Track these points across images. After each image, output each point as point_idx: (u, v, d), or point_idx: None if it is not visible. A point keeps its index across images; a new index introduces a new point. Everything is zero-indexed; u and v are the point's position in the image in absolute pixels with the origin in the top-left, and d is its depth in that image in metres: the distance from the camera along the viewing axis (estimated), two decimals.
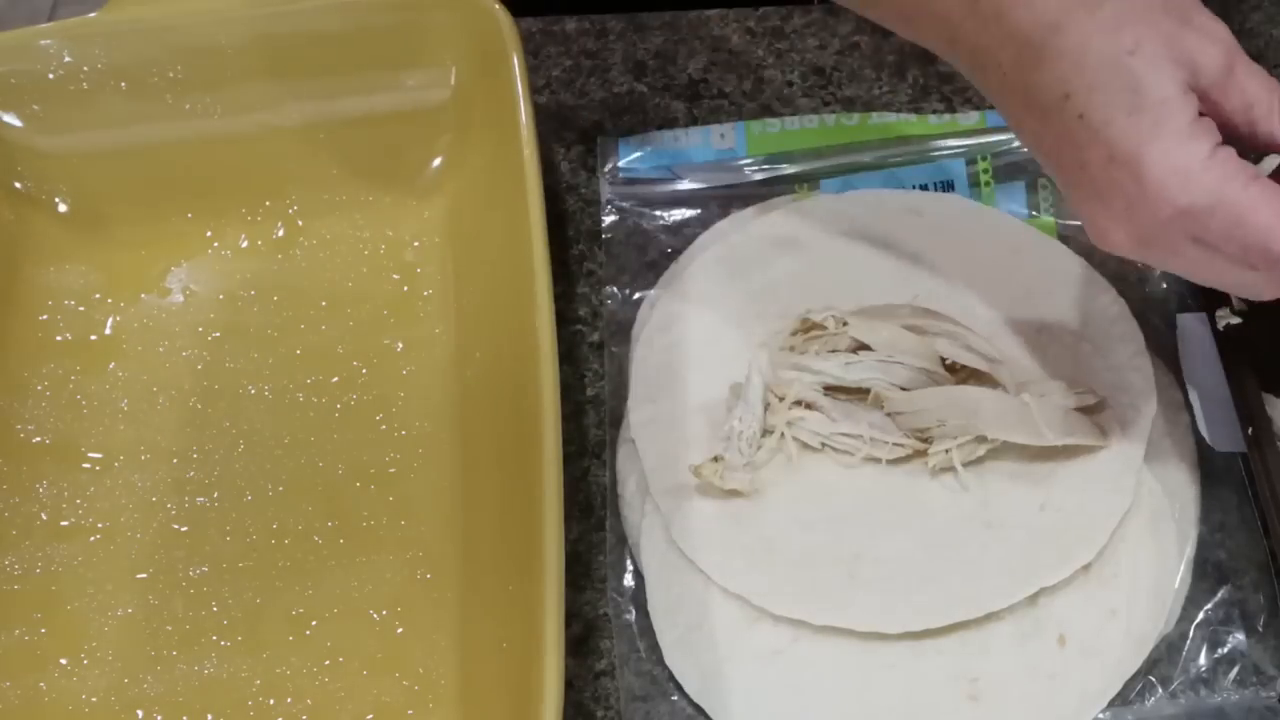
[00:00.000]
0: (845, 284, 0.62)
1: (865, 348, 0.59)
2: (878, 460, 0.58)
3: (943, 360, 0.59)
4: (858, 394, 0.59)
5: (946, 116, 0.69)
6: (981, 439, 0.57)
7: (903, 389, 0.58)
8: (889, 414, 0.58)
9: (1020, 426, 0.56)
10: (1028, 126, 0.50)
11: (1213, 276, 0.49)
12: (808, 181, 0.68)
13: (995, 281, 0.63)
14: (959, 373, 0.59)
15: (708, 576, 0.56)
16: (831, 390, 0.59)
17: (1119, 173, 0.47)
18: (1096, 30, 0.47)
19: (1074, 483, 0.57)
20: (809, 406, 0.58)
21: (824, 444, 0.58)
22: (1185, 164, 0.46)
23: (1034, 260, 0.63)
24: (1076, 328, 0.61)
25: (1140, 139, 0.46)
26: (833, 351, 0.59)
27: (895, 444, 0.57)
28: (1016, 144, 0.67)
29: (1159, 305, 0.62)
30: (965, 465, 0.57)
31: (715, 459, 0.57)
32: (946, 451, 0.57)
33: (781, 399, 0.58)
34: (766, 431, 0.58)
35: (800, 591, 0.55)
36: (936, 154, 0.68)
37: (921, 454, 0.57)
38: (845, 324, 0.59)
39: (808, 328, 0.60)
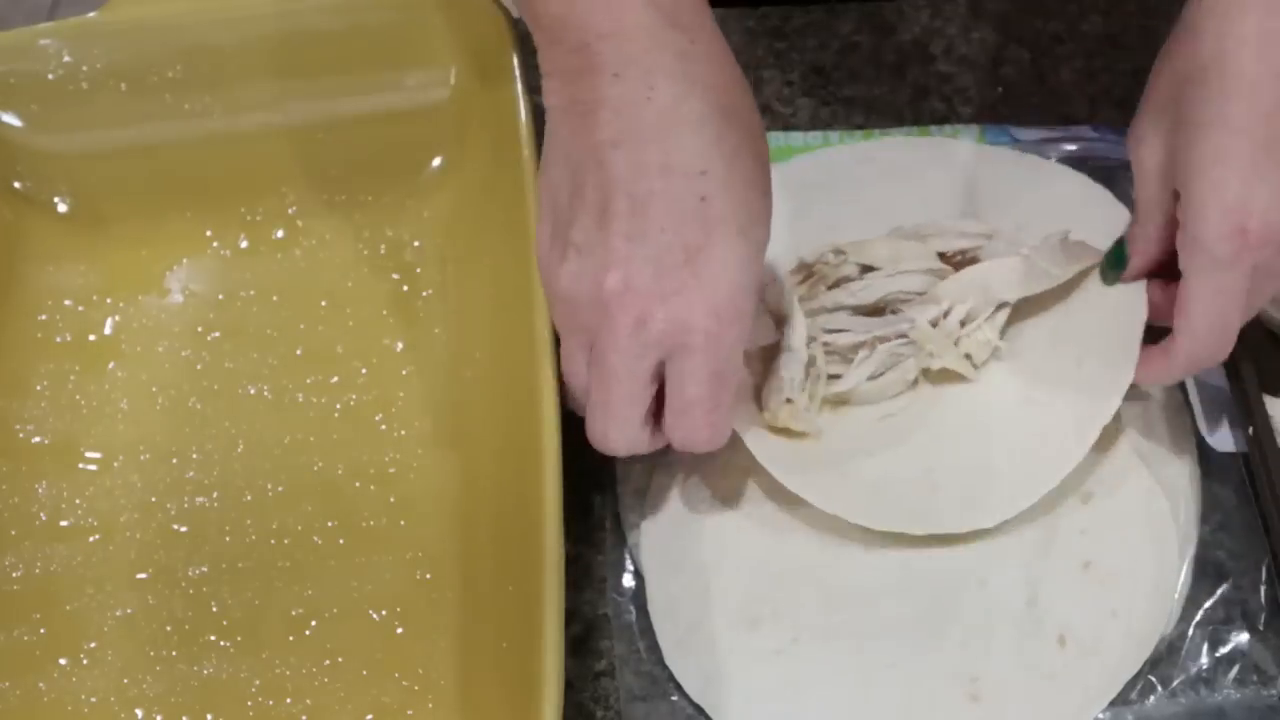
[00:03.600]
0: (822, 235, 0.62)
1: (869, 271, 0.60)
2: (907, 384, 0.59)
3: (941, 259, 0.60)
4: (877, 314, 0.60)
5: (948, 128, 0.69)
6: (1002, 305, 0.58)
7: (918, 294, 0.59)
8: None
9: (1029, 277, 0.58)
10: None
11: None
12: None
13: (959, 195, 0.64)
14: (959, 266, 0.60)
15: (707, 577, 0.56)
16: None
17: None
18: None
19: (1091, 319, 0.58)
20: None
21: (871, 374, 0.58)
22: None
23: (993, 168, 0.65)
24: (1052, 213, 0.62)
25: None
26: (838, 282, 0.59)
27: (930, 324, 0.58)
28: None
29: None
30: (1002, 337, 0.59)
31: (789, 401, 0.57)
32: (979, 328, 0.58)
33: (813, 339, 0.58)
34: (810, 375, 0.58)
35: (896, 508, 0.56)
36: None
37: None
38: (843, 254, 0.60)
39: (806, 272, 0.60)
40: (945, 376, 0.59)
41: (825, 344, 0.58)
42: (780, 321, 0.59)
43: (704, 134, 0.49)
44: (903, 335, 0.58)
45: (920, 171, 0.66)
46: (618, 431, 0.51)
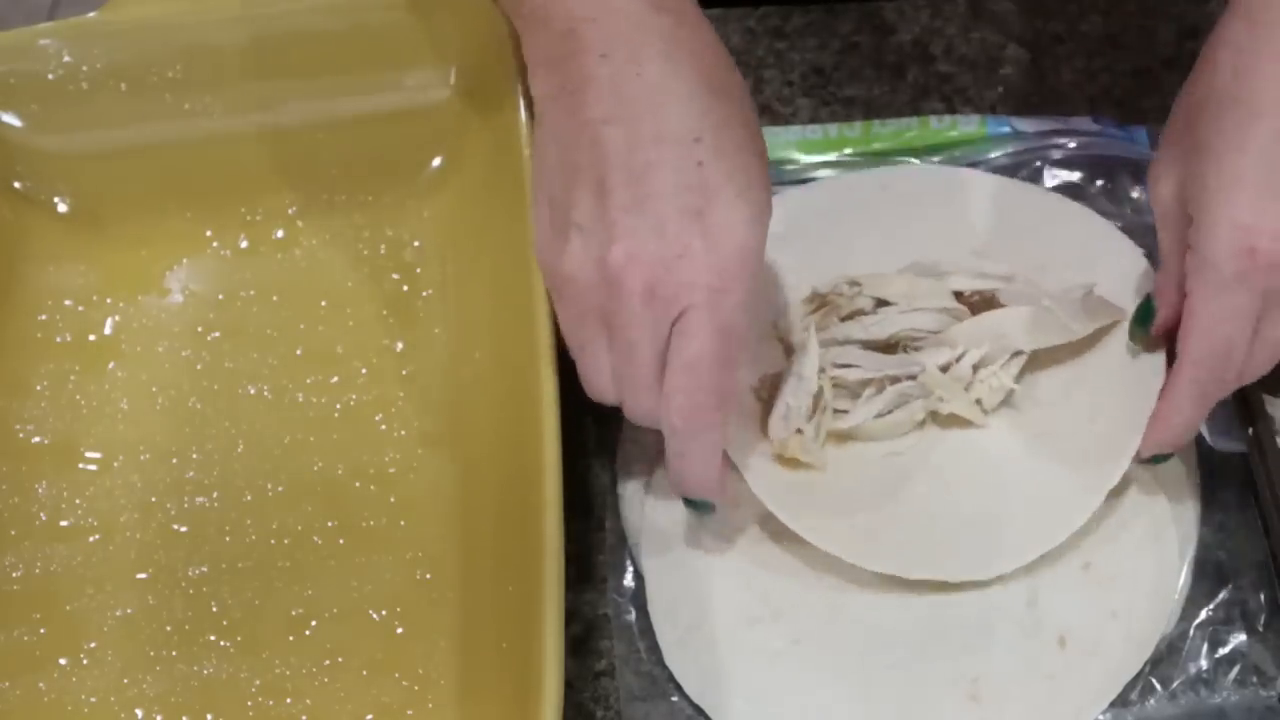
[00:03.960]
0: (836, 265, 0.62)
1: (883, 305, 0.59)
2: (914, 424, 0.58)
3: (958, 299, 0.59)
4: (889, 351, 0.59)
5: (948, 119, 0.69)
6: (1018, 353, 0.58)
7: (931, 333, 0.59)
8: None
9: (1047, 329, 0.57)
10: None
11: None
12: (805, 184, 0.68)
13: (979, 230, 0.63)
14: (975, 306, 0.59)
15: (719, 571, 0.56)
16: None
17: None
18: None
19: (1107, 378, 0.58)
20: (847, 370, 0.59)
21: (878, 412, 0.58)
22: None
23: (1016, 206, 0.64)
24: (1072, 258, 0.61)
25: None
26: (851, 314, 0.59)
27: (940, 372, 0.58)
28: (1014, 159, 0.68)
29: None
30: (1017, 383, 0.58)
31: (799, 432, 0.57)
32: (993, 375, 0.58)
33: (822, 370, 0.58)
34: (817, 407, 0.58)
35: (892, 550, 0.55)
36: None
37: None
38: (858, 286, 0.59)
39: (818, 303, 0.60)
40: (954, 420, 0.58)
41: (834, 378, 0.58)
42: (789, 350, 0.59)
43: (693, 106, 0.49)
44: (913, 377, 0.58)
45: (940, 203, 0.65)
46: (653, 402, 0.51)
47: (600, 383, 0.52)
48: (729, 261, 0.48)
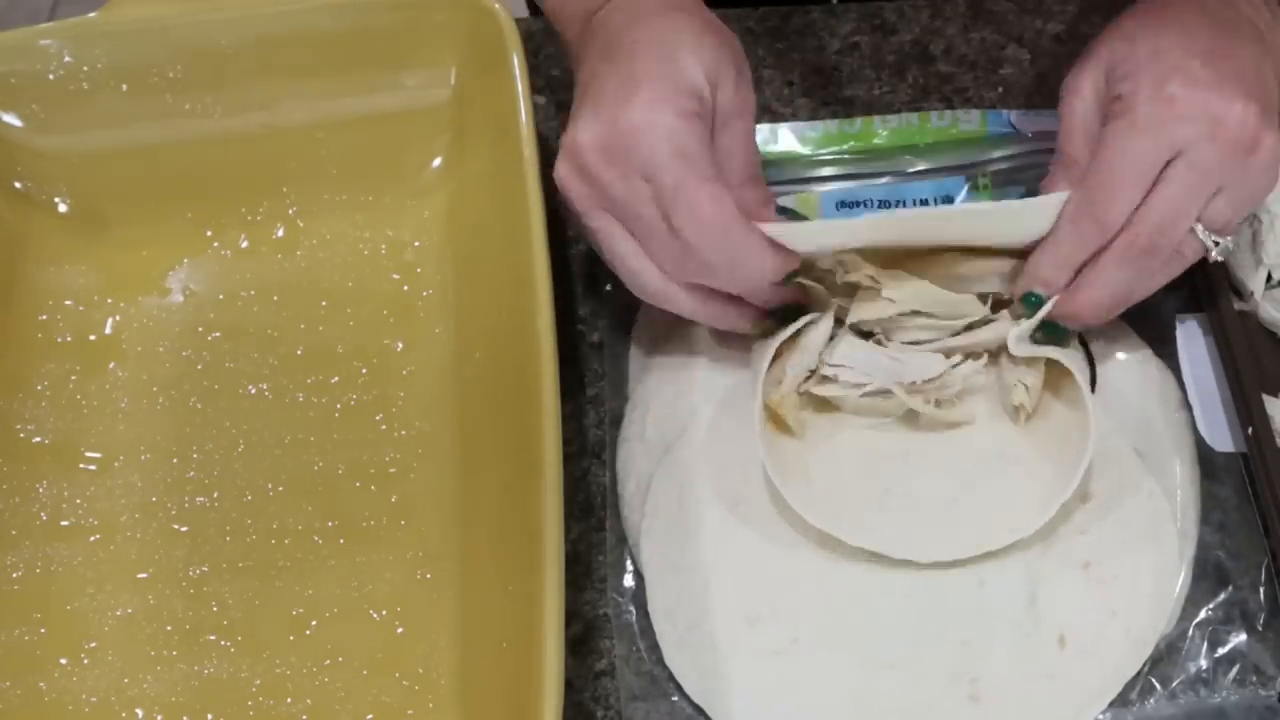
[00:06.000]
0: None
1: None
2: (894, 414, 0.59)
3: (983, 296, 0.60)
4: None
5: (949, 115, 0.69)
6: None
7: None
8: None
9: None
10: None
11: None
12: (808, 183, 0.68)
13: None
14: (998, 304, 0.60)
15: (708, 575, 0.56)
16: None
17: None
18: None
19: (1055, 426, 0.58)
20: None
21: (864, 384, 0.59)
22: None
23: None
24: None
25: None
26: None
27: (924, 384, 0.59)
28: (1013, 162, 0.68)
29: (1159, 305, 0.62)
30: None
31: (799, 393, 0.59)
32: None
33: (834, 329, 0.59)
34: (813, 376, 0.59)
35: (835, 512, 0.56)
36: (938, 172, 0.68)
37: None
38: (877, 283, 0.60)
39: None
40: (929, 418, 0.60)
41: (824, 371, 0.59)
42: (814, 305, 0.59)
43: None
44: (888, 390, 0.59)
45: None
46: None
47: (626, 260, 0.56)
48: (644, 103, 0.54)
